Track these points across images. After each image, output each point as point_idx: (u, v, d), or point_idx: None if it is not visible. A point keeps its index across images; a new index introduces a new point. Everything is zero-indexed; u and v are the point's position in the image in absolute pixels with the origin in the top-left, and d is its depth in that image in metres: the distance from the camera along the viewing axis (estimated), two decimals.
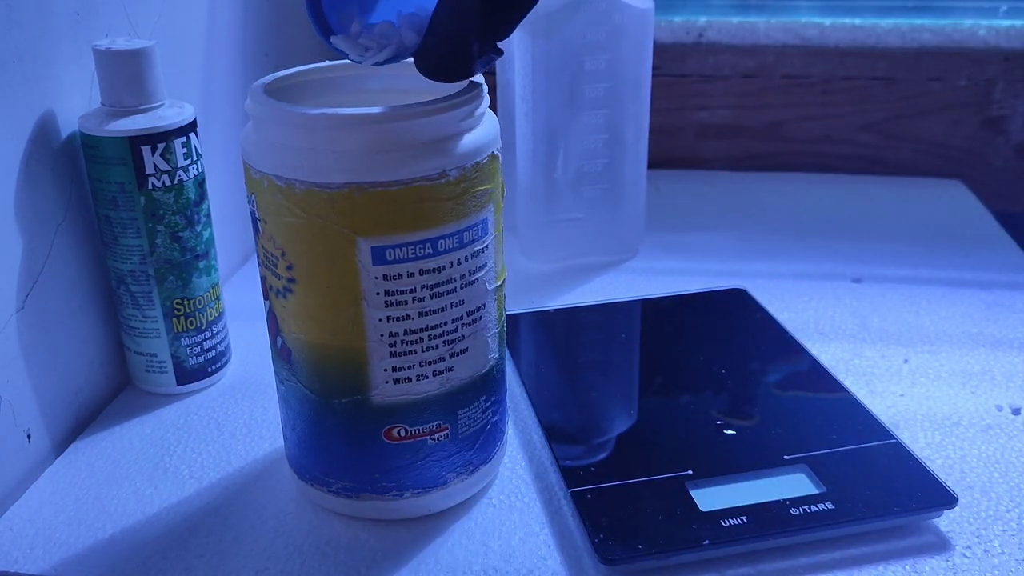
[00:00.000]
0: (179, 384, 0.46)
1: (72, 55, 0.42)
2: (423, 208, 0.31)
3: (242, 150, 0.33)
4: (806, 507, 0.36)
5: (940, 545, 0.36)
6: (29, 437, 0.40)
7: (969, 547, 0.36)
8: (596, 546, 0.35)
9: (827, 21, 0.72)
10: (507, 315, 0.51)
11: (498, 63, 0.58)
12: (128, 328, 0.45)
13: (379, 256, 0.32)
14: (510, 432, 0.43)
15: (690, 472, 0.38)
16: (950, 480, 0.39)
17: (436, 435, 0.35)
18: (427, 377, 0.34)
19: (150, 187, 0.41)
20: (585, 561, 0.35)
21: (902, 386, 0.46)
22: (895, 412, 0.44)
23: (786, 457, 0.39)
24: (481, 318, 0.35)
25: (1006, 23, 0.70)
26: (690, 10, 0.74)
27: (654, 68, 0.56)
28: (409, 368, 0.34)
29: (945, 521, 0.37)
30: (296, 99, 0.35)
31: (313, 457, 0.36)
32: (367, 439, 0.35)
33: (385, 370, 0.33)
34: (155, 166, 0.41)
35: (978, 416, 0.44)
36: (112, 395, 0.46)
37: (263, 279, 0.35)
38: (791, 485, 0.37)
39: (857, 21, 0.72)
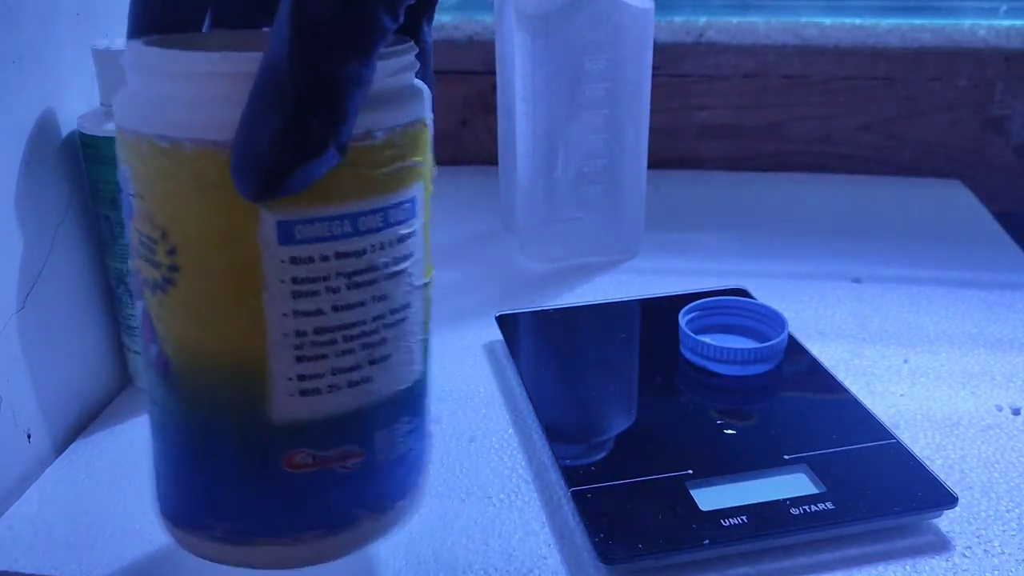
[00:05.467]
0: None
1: (72, 55, 0.42)
2: (342, 175, 0.25)
3: (116, 114, 0.28)
4: (806, 507, 0.36)
5: (940, 545, 0.36)
6: (29, 437, 0.40)
7: (969, 547, 0.36)
8: (596, 545, 0.35)
9: (827, 21, 0.72)
10: (506, 315, 0.51)
11: (498, 63, 0.58)
12: (128, 328, 0.45)
13: (286, 233, 0.26)
14: (510, 431, 0.43)
15: (690, 472, 0.38)
16: (950, 480, 0.39)
17: (348, 461, 0.29)
18: (340, 388, 0.28)
19: None
20: (585, 560, 0.35)
21: (902, 386, 0.46)
22: (895, 412, 0.44)
23: (786, 457, 0.39)
24: (406, 319, 0.29)
25: (1006, 23, 0.70)
26: (690, 10, 0.74)
27: (654, 68, 0.56)
28: (319, 377, 0.27)
29: (945, 521, 0.37)
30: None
31: (192, 496, 0.30)
32: (262, 468, 0.28)
33: (289, 379, 0.27)
34: None
35: (978, 416, 0.44)
36: (112, 395, 0.46)
37: (135, 273, 0.29)
38: (791, 485, 0.37)
39: (857, 21, 0.72)
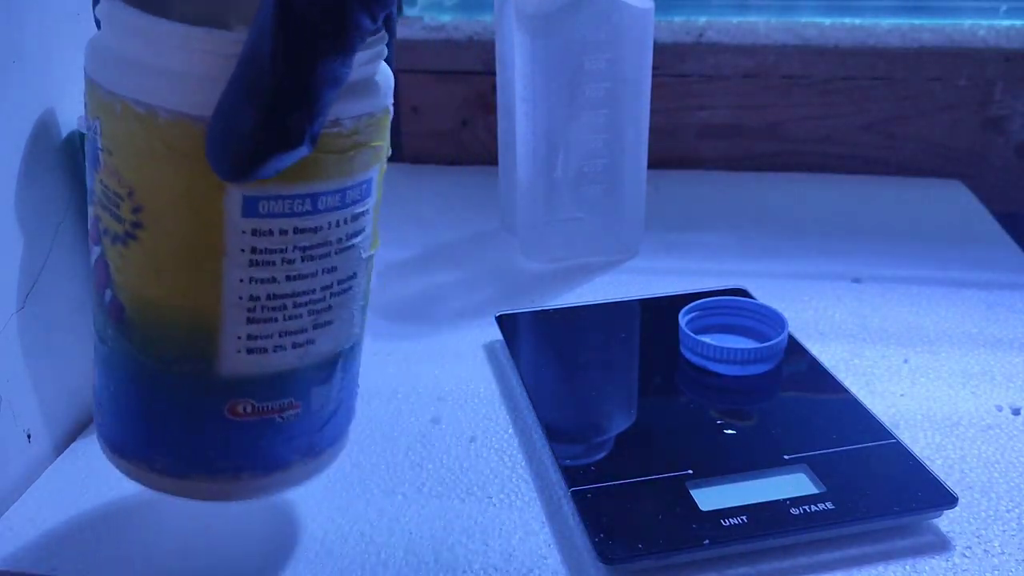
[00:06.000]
0: None
1: (72, 55, 0.42)
2: (308, 158, 0.27)
3: (88, 63, 0.29)
4: (806, 507, 0.36)
5: (940, 545, 0.36)
6: (29, 437, 0.40)
7: (969, 547, 0.36)
8: (596, 545, 0.35)
9: (827, 21, 0.72)
10: (506, 315, 0.51)
11: (498, 63, 0.58)
12: None
13: (251, 207, 0.27)
14: (510, 431, 0.43)
15: (690, 472, 0.38)
16: (950, 480, 0.39)
17: (286, 413, 0.31)
18: (285, 348, 0.30)
19: None
20: (585, 560, 0.35)
21: (902, 386, 0.46)
22: (895, 412, 0.44)
23: (786, 457, 0.39)
24: (351, 288, 0.31)
25: (1006, 23, 0.70)
26: (690, 10, 0.74)
27: (654, 68, 0.56)
28: (267, 337, 0.30)
29: (945, 521, 0.37)
30: (156, 6, 0.29)
31: (136, 431, 0.32)
32: (207, 415, 0.30)
33: (239, 337, 0.29)
34: None
35: (978, 416, 0.44)
36: None
37: (96, 219, 0.30)
38: (791, 485, 0.37)
39: (857, 21, 0.72)
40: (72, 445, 0.42)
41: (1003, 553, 0.35)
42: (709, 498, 0.37)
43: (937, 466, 0.40)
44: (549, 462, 0.41)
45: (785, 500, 0.36)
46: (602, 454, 0.40)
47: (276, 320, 0.29)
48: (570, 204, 0.57)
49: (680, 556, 0.35)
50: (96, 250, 0.30)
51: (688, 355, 0.47)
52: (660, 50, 0.71)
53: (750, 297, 0.52)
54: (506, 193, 0.62)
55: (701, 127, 0.75)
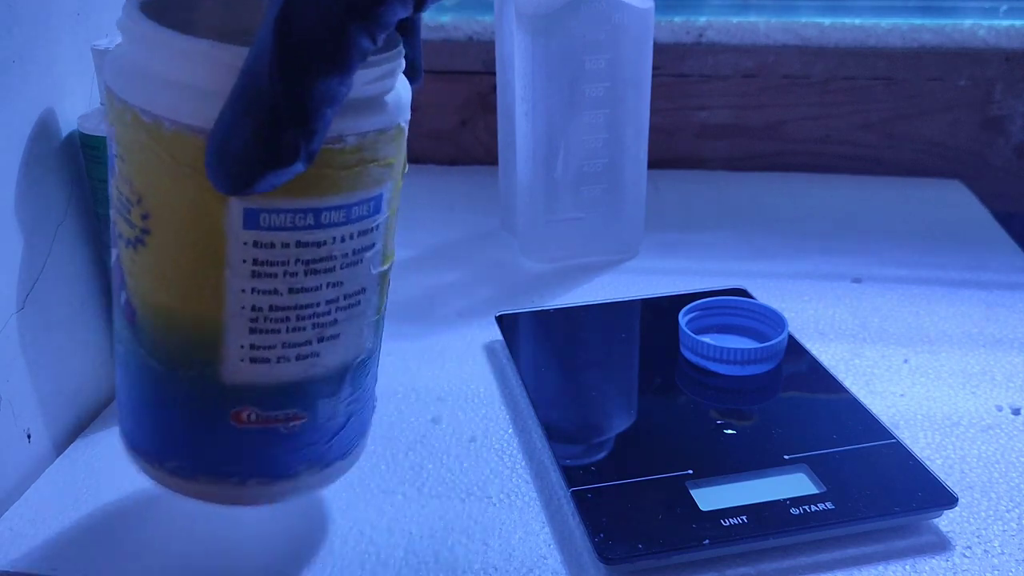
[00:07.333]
0: None
1: (72, 55, 0.42)
2: (310, 174, 0.27)
3: (107, 71, 0.29)
4: (806, 507, 0.36)
5: (940, 545, 0.36)
6: (29, 437, 0.40)
7: (969, 547, 0.36)
8: (596, 545, 0.35)
9: (827, 21, 0.72)
10: (506, 315, 0.51)
11: (498, 63, 0.58)
12: None
13: (251, 220, 0.28)
14: (510, 431, 0.43)
15: (690, 472, 0.38)
16: (950, 480, 0.39)
17: (291, 423, 0.31)
18: (288, 360, 0.30)
19: None
20: (585, 560, 0.35)
21: (902, 386, 0.46)
22: (895, 412, 0.44)
23: (786, 457, 0.39)
24: (359, 303, 0.31)
25: (1006, 23, 0.70)
26: (690, 10, 0.74)
27: (654, 68, 0.56)
28: (269, 348, 0.30)
29: (945, 521, 0.37)
30: (181, 20, 0.30)
31: (148, 430, 0.32)
32: (211, 419, 0.31)
33: (241, 346, 0.29)
34: None
35: (978, 416, 0.44)
36: (112, 395, 0.46)
37: (113, 224, 0.31)
38: (791, 485, 0.37)
39: (857, 21, 0.72)
40: (72, 445, 0.42)
41: (1003, 553, 0.35)
42: (709, 498, 0.37)
43: (937, 466, 0.40)
44: (549, 462, 0.41)
45: (785, 500, 0.36)
46: (602, 454, 0.40)
47: (279, 331, 0.29)
48: (570, 204, 0.57)
49: (680, 556, 0.35)
50: (114, 253, 0.31)
51: (688, 355, 0.47)
52: (660, 50, 0.71)
53: (750, 297, 0.52)
54: (506, 193, 0.62)
55: (701, 127, 0.75)
